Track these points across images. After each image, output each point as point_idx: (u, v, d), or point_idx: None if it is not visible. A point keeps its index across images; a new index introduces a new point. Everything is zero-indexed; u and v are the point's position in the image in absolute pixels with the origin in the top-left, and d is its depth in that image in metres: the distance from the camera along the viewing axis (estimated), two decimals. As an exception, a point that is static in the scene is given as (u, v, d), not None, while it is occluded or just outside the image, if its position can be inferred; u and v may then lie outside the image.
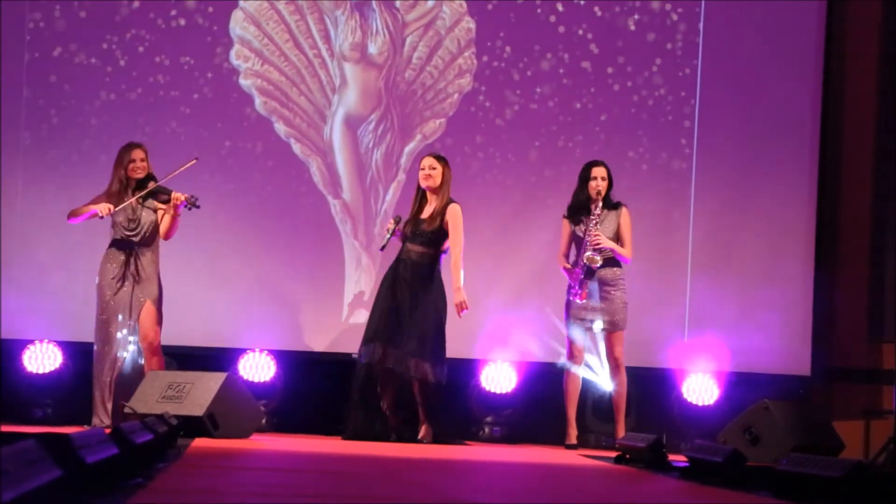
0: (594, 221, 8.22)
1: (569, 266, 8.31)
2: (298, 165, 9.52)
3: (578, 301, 8.21)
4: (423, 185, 8.20)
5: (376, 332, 8.10)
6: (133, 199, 8.03)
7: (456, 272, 8.05)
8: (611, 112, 9.56)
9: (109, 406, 7.93)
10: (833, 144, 9.60)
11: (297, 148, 9.52)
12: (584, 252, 8.17)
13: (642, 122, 9.56)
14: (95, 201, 8.06)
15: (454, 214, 8.13)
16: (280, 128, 9.51)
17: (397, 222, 8.21)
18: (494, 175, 9.52)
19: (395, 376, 8.05)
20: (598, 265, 8.16)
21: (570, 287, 8.31)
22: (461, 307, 8.02)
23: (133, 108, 9.40)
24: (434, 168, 8.18)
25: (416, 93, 9.57)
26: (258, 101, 9.51)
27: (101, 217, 8.01)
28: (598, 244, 8.17)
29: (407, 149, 9.51)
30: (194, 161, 8.25)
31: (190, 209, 8.09)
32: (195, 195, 8.09)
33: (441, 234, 8.14)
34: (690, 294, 9.39)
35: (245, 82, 9.51)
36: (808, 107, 9.54)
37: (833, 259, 9.56)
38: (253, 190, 9.47)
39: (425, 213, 8.18)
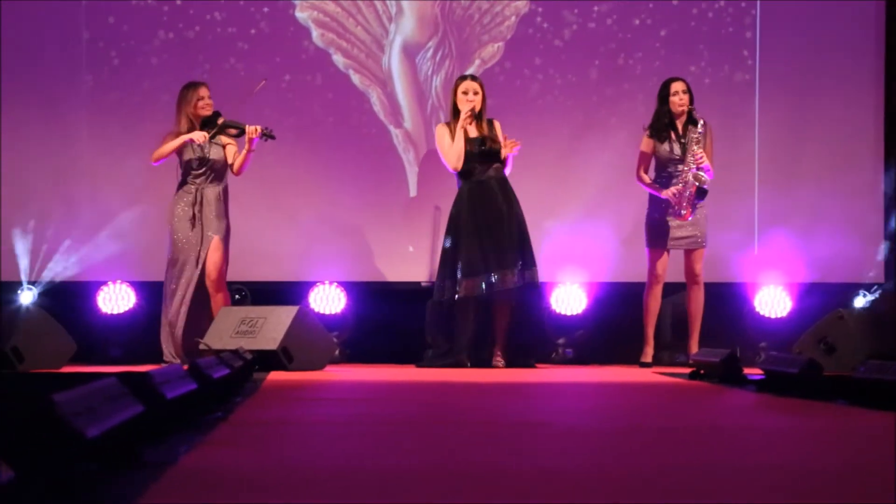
0: (696, 139, 8.16)
1: (657, 186, 8.25)
2: (358, 96, 9.50)
3: (679, 221, 8.18)
4: (468, 109, 8.20)
5: (468, 265, 8.14)
6: (213, 132, 8.04)
7: None
8: (670, 27, 9.44)
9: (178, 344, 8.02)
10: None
11: (356, 79, 9.49)
12: (690, 171, 8.12)
13: (702, 35, 9.43)
14: (166, 141, 8.07)
15: (500, 129, 8.37)
16: (338, 59, 9.48)
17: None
18: (555, 96, 9.45)
19: (476, 304, 8.11)
20: (706, 183, 8.15)
21: (654, 206, 8.26)
22: None
23: (191, 46, 9.40)
24: (477, 93, 8.29)
25: (473, 17, 9.50)
26: (315, 33, 9.48)
27: (199, 144, 8.02)
28: (701, 162, 8.13)
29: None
30: (263, 82, 8.34)
31: (266, 140, 8.12)
32: (268, 126, 8.12)
33: (499, 148, 8.28)
34: (759, 206, 9.31)
35: (301, 15, 9.48)
36: (872, 7, 9.36)
37: (903, 164, 9.41)
38: (314, 123, 9.46)
39: (474, 134, 8.27)
